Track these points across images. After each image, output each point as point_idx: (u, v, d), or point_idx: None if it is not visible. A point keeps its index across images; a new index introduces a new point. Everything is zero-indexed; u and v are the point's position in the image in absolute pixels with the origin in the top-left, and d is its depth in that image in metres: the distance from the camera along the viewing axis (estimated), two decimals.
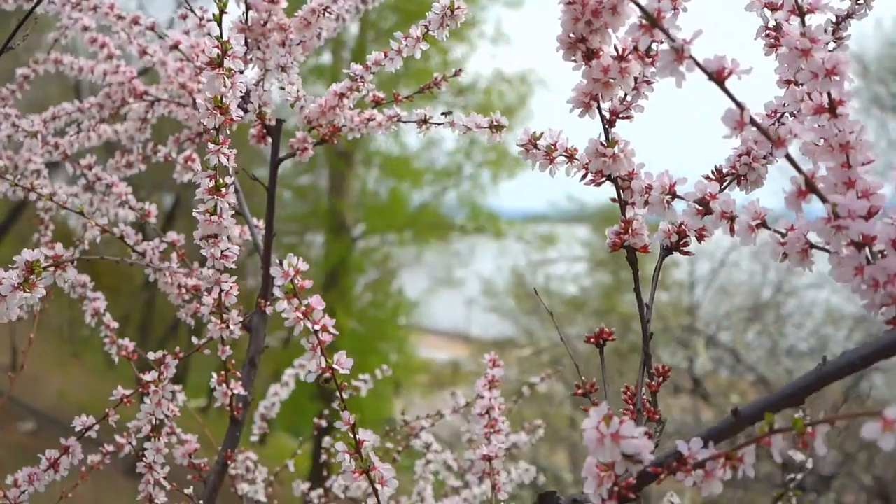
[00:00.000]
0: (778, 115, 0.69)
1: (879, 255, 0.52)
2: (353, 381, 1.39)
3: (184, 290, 1.01)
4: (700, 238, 0.67)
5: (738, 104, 0.51)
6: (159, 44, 1.11)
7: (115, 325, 1.09)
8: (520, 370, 8.01)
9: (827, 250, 0.54)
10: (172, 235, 1.05)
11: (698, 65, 0.50)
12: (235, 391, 0.96)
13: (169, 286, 1.00)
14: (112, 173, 1.16)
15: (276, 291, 0.62)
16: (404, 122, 0.96)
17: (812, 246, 0.54)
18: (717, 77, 0.50)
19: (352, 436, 0.64)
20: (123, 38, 1.13)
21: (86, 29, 1.18)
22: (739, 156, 0.68)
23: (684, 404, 7.58)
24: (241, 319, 0.91)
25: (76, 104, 1.20)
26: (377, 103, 0.99)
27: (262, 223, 1.09)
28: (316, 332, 0.62)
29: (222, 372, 0.95)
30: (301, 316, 0.61)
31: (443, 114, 0.95)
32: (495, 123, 0.83)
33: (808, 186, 0.51)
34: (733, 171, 0.68)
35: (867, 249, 0.52)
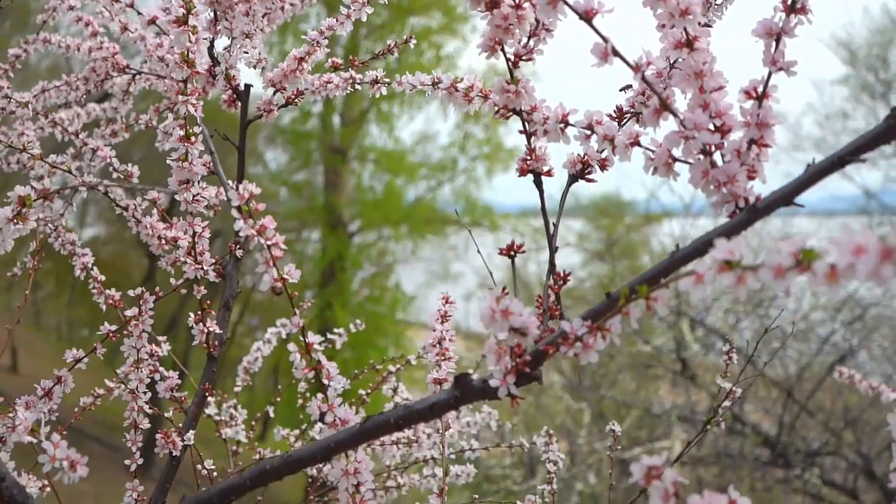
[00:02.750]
0: (671, 60, 0.80)
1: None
2: (329, 335, 1.49)
3: (163, 242, 1.12)
4: (602, 167, 0.77)
5: (603, 38, 0.61)
6: (139, 20, 1.21)
7: (102, 277, 1.19)
8: None
9: (686, 162, 0.64)
10: (153, 193, 1.15)
11: (569, 6, 0.61)
12: (211, 329, 1.06)
13: (150, 237, 1.10)
14: (97, 140, 1.26)
15: (236, 216, 0.72)
16: (359, 83, 1.07)
17: (675, 159, 0.65)
18: (586, 16, 0.61)
19: (302, 339, 0.75)
20: (106, 16, 1.23)
21: (71, 8, 1.28)
22: (636, 96, 0.78)
23: (678, 392, 7.70)
24: (213, 261, 1.01)
25: (63, 78, 1.30)
26: (335, 68, 1.09)
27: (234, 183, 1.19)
28: (269, 247, 0.72)
29: (199, 312, 1.06)
30: (255, 233, 0.72)
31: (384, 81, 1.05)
32: (436, 81, 0.93)
33: (663, 105, 0.62)
34: (632, 109, 0.78)
35: (715, 157, 0.62)
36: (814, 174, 0.56)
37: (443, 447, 1.03)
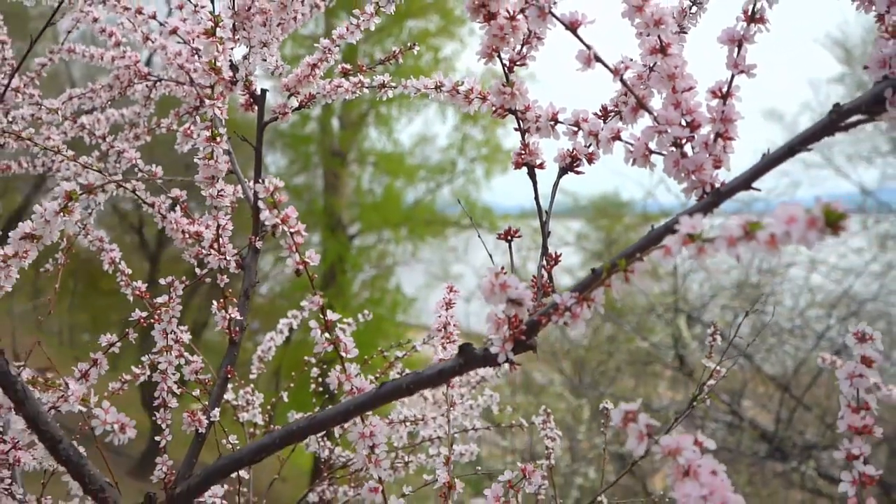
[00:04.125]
0: (650, 65, 0.88)
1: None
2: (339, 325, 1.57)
3: (187, 236, 1.20)
4: (590, 161, 0.86)
5: (587, 46, 0.70)
6: (159, 30, 1.30)
7: (129, 270, 1.28)
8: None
9: (660, 153, 0.73)
10: (176, 192, 1.24)
11: (557, 18, 0.69)
12: (233, 316, 1.15)
13: (174, 232, 1.19)
14: (122, 143, 1.35)
15: (262, 207, 0.81)
16: (367, 88, 1.16)
17: (651, 151, 0.74)
18: (572, 26, 0.70)
19: (322, 316, 0.84)
20: (128, 27, 1.32)
21: (95, 20, 1.37)
22: (619, 96, 0.87)
23: (677, 389, 7.79)
24: (236, 252, 1.10)
25: (89, 86, 1.39)
26: (345, 74, 1.18)
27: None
28: (292, 234, 0.81)
29: (221, 300, 1.15)
30: (280, 221, 0.80)
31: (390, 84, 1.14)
32: (438, 84, 1.02)
33: (639, 104, 0.71)
34: (615, 108, 0.87)
35: (686, 148, 0.71)
36: (768, 162, 0.65)
37: (448, 416, 1.11)
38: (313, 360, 1.56)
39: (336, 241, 10.70)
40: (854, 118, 0.64)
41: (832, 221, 0.47)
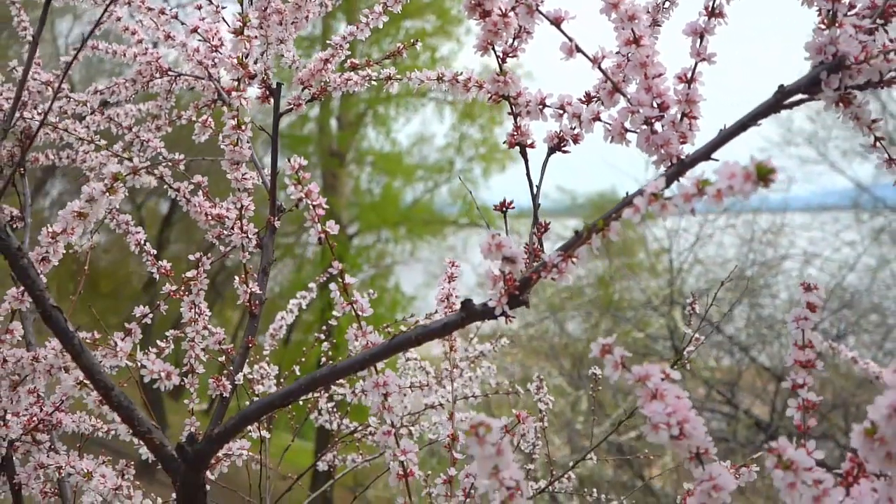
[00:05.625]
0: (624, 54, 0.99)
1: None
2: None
3: (209, 217, 1.31)
4: (575, 141, 0.97)
5: (569, 38, 0.81)
6: (180, 28, 1.41)
7: (153, 251, 1.39)
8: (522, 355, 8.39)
9: (634, 131, 0.84)
10: (198, 178, 1.34)
11: (543, 15, 0.80)
12: (253, 290, 1.26)
13: (198, 214, 1.30)
14: (147, 133, 1.46)
15: (287, 183, 0.92)
16: (374, 80, 1.27)
17: (626, 129, 0.85)
18: (556, 21, 0.81)
19: (341, 280, 0.95)
20: (150, 25, 1.42)
21: (119, 19, 1.48)
22: (600, 83, 0.98)
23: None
24: (257, 231, 1.21)
25: (113, 80, 1.50)
26: (354, 68, 1.29)
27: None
28: (314, 206, 0.92)
29: (243, 275, 1.26)
30: (303, 196, 0.91)
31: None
32: (440, 76, 1.13)
33: (615, 88, 0.82)
34: (596, 94, 0.98)
35: (656, 126, 0.82)
36: (724, 136, 0.76)
37: (451, 378, 1.22)
38: (322, 336, 1.67)
39: (335, 241, 10.79)
40: (797, 98, 0.75)
41: (763, 175, 0.58)
